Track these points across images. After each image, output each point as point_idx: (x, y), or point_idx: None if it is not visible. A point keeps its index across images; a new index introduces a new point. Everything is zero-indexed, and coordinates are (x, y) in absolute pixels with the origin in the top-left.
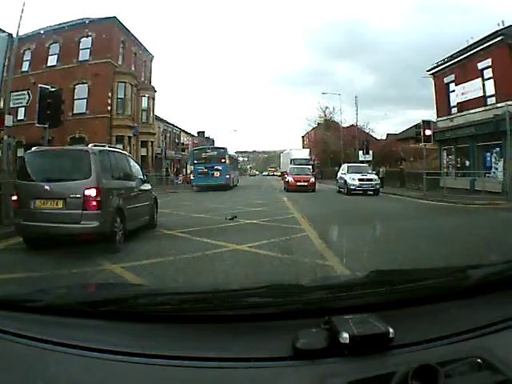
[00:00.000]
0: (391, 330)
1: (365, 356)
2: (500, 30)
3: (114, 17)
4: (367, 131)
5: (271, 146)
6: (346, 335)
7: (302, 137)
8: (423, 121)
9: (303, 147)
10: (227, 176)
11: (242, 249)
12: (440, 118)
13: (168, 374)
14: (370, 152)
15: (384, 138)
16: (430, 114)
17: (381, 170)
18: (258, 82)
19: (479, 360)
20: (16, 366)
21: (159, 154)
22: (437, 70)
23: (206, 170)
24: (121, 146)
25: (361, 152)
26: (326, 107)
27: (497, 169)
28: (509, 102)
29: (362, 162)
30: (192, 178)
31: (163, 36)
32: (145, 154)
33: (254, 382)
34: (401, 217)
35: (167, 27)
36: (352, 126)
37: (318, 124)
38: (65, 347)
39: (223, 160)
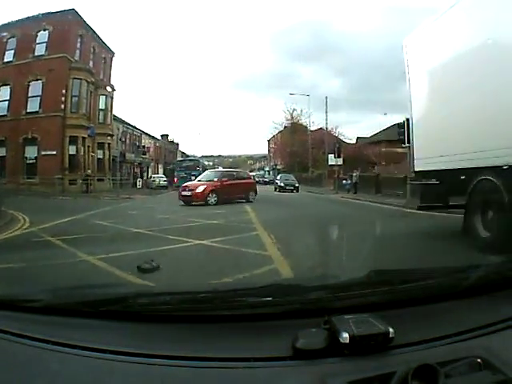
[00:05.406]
0: (391, 330)
1: (365, 356)
2: None
3: (73, 9)
4: (336, 135)
5: (237, 151)
6: (345, 335)
7: (268, 141)
8: (407, 119)
9: (268, 151)
10: None
11: None
12: None
13: (168, 373)
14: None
15: (353, 142)
16: (400, 119)
17: (354, 174)
18: (222, 85)
19: (479, 360)
20: (16, 365)
21: (117, 157)
22: None
23: (185, 175)
24: (74, 148)
25: (331, 156)
26: (294, 109)
27: None
28: None
29: (332, 166)
30: (176, 180)
31: (126, 35)
32: (101, 156)
33: (254, 382)
34: (399, 233)
35: (130, 25)
36: (320, 129)
37: (285, 127)
38: (65, 347)
39: (198, 168)
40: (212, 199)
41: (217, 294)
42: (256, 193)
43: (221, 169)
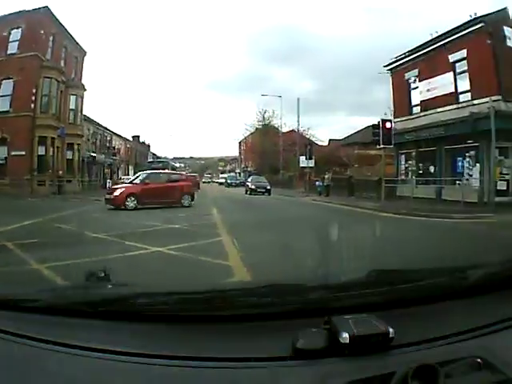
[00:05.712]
0: (391, 330)
1: (365, 356)
2: (479, 18)
3: (46, 7)
4: (308, 136)
5: (208, 153)
6: (345, 335)
7: (239, 142)
8: (382, 120)
9: (239, 153)
10: None
11: None
12: (398, 119)
13: (168, 373)
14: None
15: (325, 144)
16: (374, 121)
17: (326, 176)
18: (196, 86)
19: (479, 360)
20: (16, 365)
21: (87, 158)
22: (396, 64)
23: None
24: (43, 148)
25: (302, 158)
26: (265, 111)
27: (471, 175)
28: (493, 98)
29: (303, 168)
30: None
31: (98, 34)
32: (71, 157)
33: (254, 382)
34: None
35: (103, 24)
36: (292, 130)
37: (256, 129)
38: (65, 347)
39: (166, 169)
40: (131, 203)
41: (217, 293)
42: (193, 198)
43: (152, 170)
